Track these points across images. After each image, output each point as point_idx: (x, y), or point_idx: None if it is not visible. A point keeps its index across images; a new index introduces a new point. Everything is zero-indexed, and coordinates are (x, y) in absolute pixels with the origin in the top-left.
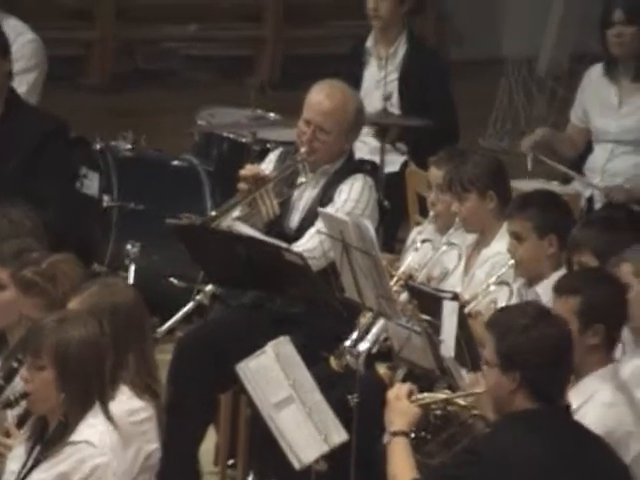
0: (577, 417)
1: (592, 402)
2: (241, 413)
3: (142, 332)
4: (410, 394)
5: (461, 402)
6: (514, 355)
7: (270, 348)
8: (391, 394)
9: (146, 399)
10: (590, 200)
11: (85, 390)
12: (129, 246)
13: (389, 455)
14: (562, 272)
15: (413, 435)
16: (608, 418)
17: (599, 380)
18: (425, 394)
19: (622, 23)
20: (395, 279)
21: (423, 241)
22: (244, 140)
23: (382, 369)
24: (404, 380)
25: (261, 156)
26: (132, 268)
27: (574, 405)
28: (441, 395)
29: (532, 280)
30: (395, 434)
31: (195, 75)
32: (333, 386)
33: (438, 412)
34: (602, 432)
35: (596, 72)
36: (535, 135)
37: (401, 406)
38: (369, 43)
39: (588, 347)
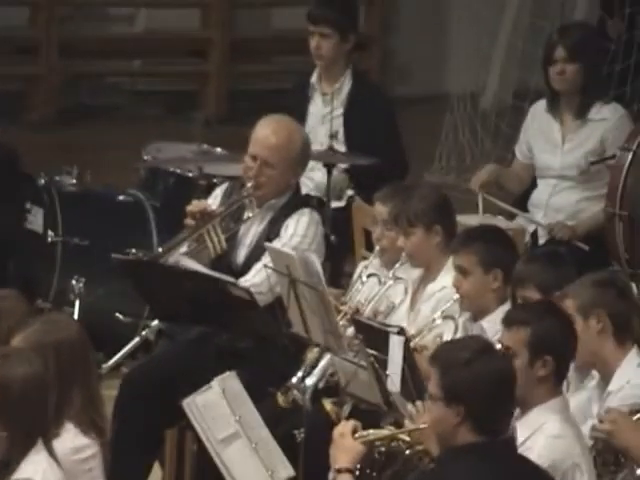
0: (525, 448)
1: (540, 433)
2: (187, 449)
3: (87, 368)
4: (354, 431)
5: (405, 438)
6: (458, 389)
7: (216, 383)
8: (336, 431)
9: (91, 436)
10: (534, 235)
11: (28, 428)
12: (74, 282)
13: None
14: (507, 306)
15: (358, 472)
16: (556, 449)
17: (548, 412)
18: (369, 431)
19: (564, 60)
20: (342, 314)
21: (369, 275)
22: (190, 175)
23: (328, 405)
24: (350, 415)
25: (207, 191)
26: (77, 304)
27: (522, 436)
28: (385, 431)
29: (477, 314)
30: (340, 471)
31: (141, 110)
32: (280, 422)
33: (382, 449)
34: (550, 463)
35: (540, 108)
36: (483, 173)
37: (346, 443)
38: (313, 79)
39: (537, 379)
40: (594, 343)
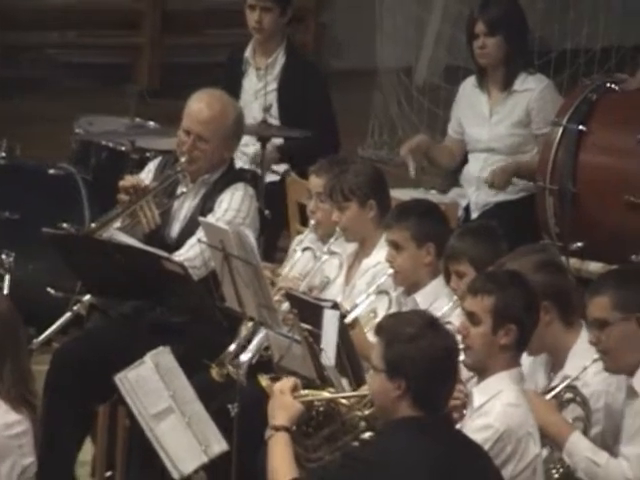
0: (481, 412)
1: (497, 400)
2: (119, 424)
3: (17, 343)
4: (294, 389)
5: (344, 402)
6: (401, 363)
7: (149, 358)
8: (276, 388)
9: (22, 412)
10: (467, 209)
11: None
12: (4, 256)
13: (270, 449)
14: (440, 280)
15: (295, 428)
16: (512, 417)
17: (506, 380)
18: (308, 391)
19: (484, 34)
20: (276, 288)
21: (304, 249)
22: (123, 149)
23: (265, 381)
24: None
25: (140, 165)
26: (7, 278)
27: (479, 401)
28: (325, 394)
29: (410, 288)
30: (277, 428)
31: (73, 82)
32: (214, 396)
33: (321, 408)
34: (505, 428)
35: (469, 84)
36: (414, 140)
37: (285, 401)
38: (247, 53)
39: (499, 346)
40: (542, 332)
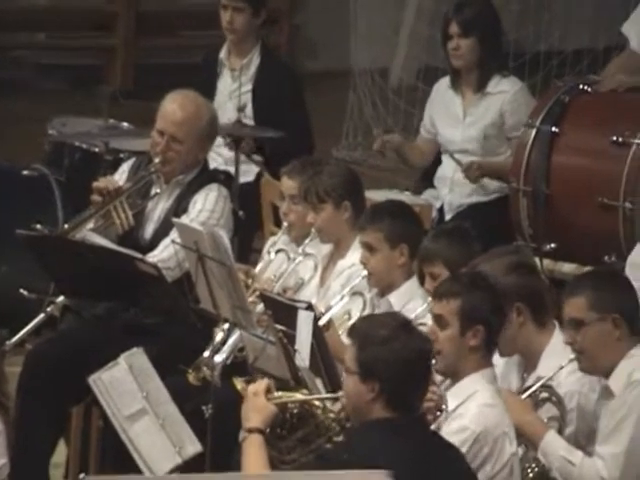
0: (456, 415)
1: (472, 401)
2: (93, 426)
3: None
4: (268, 391)
5: (317, 404)
6: (374, 365)
7: (123, 360)
8: (250, 390)
9: None
10: (441, 210)
11: None
12: None
13: (244, 451)
14: (414, 281)
15: (268, 431)
16: (488, 417)
17: (479, 381)
18: (282, 393)
19: (458, 36)
20: (250, 290)
21: (277, 251)
22: (96, 150)
23: (240, 384)
24: None
25: (114, 166)
26: None
27: (454, 404)
28: (299, 395)
29: (384, 290)
30: (250, 431)
31: (46, 84)
32: (188, 398)
33: (295, 410)
34: (481, 429)
35: (443, 84)
36: (385, 136)
37: (258, 403)
38: (222, 54)
39: (468, 348)
40: (515, 334)
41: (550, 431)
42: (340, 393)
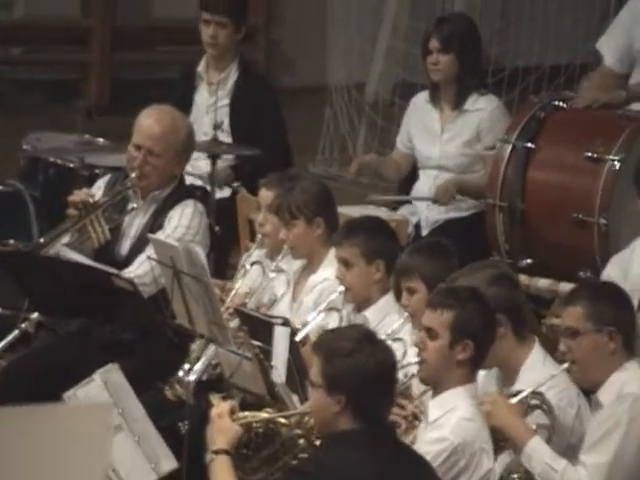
0: (436, 425)
1: (453, 414)
2: None
3: None
4: (232, 412)
5: (283, 421)
6: (339, 378)
7: (98, 376)
8: (214, 412)
9: None
10: (417, 226)
11: None
12: None
13: (211, 473)
14: (390, 297)
15: (234, 452)
16: (466, 431)
17: (461, 395)
18: (247, 413)
19: (438, 51)
20: (226, 305)
21: (252, 263)
22: (71, 165)
23: (216, 400)
24: None
25: (89, 182)
26: None
27: (434, 415)
28: (264, 414)
29: (360, 305)
30: (217, 452)
31: (21, 99)
32: (164, 414)
33: (260, 430)
34: (460, 442)
35: (421, 98)
36: (361, 158)
37: (223, 424)
38: (200, 68)
39: (456, 362)
40: (496, 346)
41: (535, 437)
42: (305, 408)
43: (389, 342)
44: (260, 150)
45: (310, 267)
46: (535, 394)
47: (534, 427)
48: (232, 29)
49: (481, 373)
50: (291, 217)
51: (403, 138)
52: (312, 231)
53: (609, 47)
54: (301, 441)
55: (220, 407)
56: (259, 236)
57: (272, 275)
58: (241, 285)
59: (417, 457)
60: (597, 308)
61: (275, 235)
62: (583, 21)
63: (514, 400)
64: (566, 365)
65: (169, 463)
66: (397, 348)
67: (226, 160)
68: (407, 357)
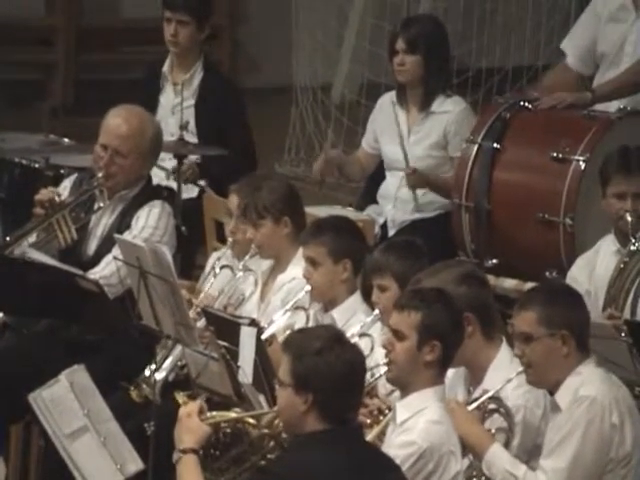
0: (405, 428)
1: (421, 416)
2: (33, 444)
3: None
4: (201, 412)
5: (251, 421)
6: (308, 376)
7: (64, 377)
8: (182, 411)
9: None
10: (384, 227)
11: None
12: None
13: (178, 472)
14: (357, 296)
15: (202, 452)
16: (435, 434)
17: (430, 397)
18: (215, 412)
19: (404, 52)
20: (194, 306)
21: (222, 267)
22: (37, 166)
23: (181, 398)
24: None
25: (54, 182)
26: None
27: (402, 417)
28: (232, 414)
29: (327, 305)
30: (184, 452)
31: None
32: (130, 415)
33: (228, 430)
34: (428, 445)
35: (388, 99)
36: (322, 157)
37: (191, 424)
38: (165, 68)
39: (424, 363)
40: (464, 343)
41: (495, 444)
42: (273, 408)
43: (356, 337)
44: (226, 150)
45: (278, 267)
46: (492, 399)
47: (493, 431)
48: (194, 28)
49: (449, 373)
50: (258, 217)
51: (369, 138)
52: (279, 230)
53: (572, 47)
54: (269, 442)
55: (189, 406)
56: (230, 239)
57: (240, 274)
58: (210, 286)
59: (385, 459)
60: (550, 313)
61: (246, 241)
62: (545, 22)
63: (472, 407)
64: (520, 369)
65: (135, 464)
66: (365, 344)
67: (190, 159)
68: (374, 355)
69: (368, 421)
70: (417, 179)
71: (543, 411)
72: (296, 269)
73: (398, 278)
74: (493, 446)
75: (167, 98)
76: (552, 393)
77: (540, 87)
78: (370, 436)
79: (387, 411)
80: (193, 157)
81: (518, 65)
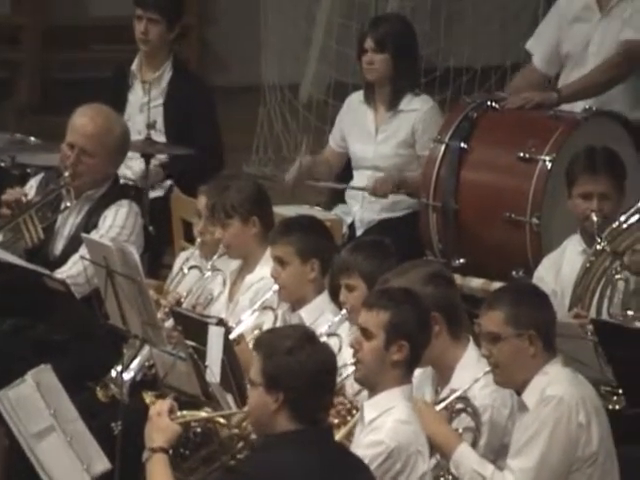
0: (373, 427)
1: (389, 416)
2: None
3: None
4: (171, 411)
5: (221, 421)
6: (279, 375)
7: (30, 377)
8: (152, 410)
9: None
10: (352, 226)
11: None
12: None
13: (148, 471)
14: (325, 296)
15: (172, 452)
16: (402, 433)
17: (397, 397)
18: (185, 412)
19: (373, 50)
20: (162, 306)
21: (190, 267)
22: (2, 165)
23: (149, 397)
24: None
25: (21, 181)
26: None
27: (370, 416)
28: (202, 413)
29: (295, 304)
30: (154, 450)
31: None
32: (97, 415)
33: (198, 429)
34: (395, 445)
35: (355, 98)
36: (296, 166)
37: (161, 423)
38: (134, 66)
39: (391, 362)
40: (431, 346)
41: (462, 443)
42: (244, 408)
43: (324, 337)
44: (193, 149)
45: (247, 266)
46: (460, 398)
47: (460, 431)
48: (164, 26)
49: (416, 372)
50: (226, 216)
51: (336, 137)
52: (248, 230)
53: (538, 48)
54: (239, 442)
55: (159, 405)
56: (198, 240)
57: (208, 274)
58: (177, 287)
59: (355, 459)
60: (517, 313)
61: (214, 241)
62: (513, 22)
63: (439, 407)
64: (487, 369)
65: (102, 464)
66: (333, 344)
67: (157, 158)
68: (342, 354)
69: (336, 421)
70: (381, 189)
71: (510, 410)
72: (264, 269)
73: (366, 278)
74: (461, 446)
75: (136, 96)
76: (519, 393)
77: (508, 88)
78: (338, 436)
79: (355, 411)
80: (161, 156)
81: (486, 65)
